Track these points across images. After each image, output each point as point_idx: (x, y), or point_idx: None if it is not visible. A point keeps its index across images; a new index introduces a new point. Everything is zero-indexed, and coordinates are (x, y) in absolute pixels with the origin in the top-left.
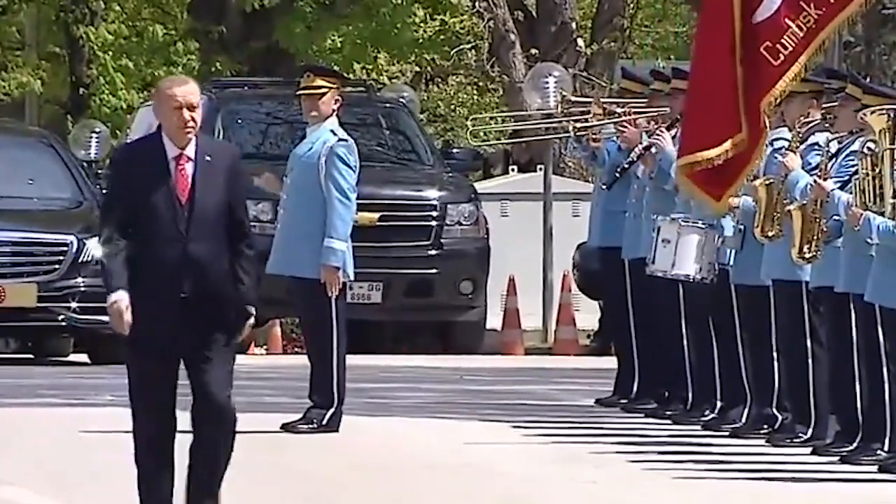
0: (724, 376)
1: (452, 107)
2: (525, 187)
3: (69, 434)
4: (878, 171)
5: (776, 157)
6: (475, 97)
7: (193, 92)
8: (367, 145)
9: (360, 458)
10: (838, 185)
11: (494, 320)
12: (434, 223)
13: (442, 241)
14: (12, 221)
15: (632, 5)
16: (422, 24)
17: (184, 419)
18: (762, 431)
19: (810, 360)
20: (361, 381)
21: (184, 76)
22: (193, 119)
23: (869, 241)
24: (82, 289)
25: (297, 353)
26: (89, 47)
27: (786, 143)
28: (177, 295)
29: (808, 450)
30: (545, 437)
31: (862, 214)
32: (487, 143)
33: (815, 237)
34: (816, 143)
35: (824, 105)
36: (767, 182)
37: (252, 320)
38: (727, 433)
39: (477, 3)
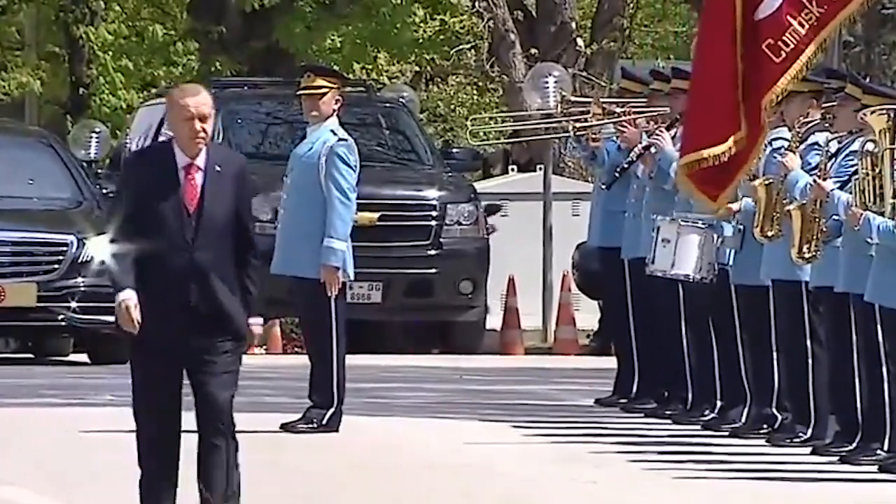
0: (723, 376)
1: (452, 107)
2: (525, 187)
3: (69, 434)
4: (878, 170)
5: (776, 157)
6: (475, 97)
7: (206, 102)
8: (367, 145)
9: (360, 458)
10: (838, 184)
11: (494, 320)
12: (434, 223)
13: (441, 240)
14: (12, 221)
15: (631, 5)
16: (421, 24)
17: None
18: (762, 431)
19: (810, 360)
20: (361, 380)
21: (196, 85)
22: (205, 130)
23: (869, 240)
24: (82, 289)
25: (296, 353)
26: (89, 47)
27: (785, 143)
28: (183, 303)
29: (808, 450)
30: (545, 436)
31: (862, 214)
32: (487, 142)
33: (815, 237)
34: (816, 143)
35: (824, 105)
36: (767, 182)
37: (259, 329)
38: (727, 433)
39: (477, 3)
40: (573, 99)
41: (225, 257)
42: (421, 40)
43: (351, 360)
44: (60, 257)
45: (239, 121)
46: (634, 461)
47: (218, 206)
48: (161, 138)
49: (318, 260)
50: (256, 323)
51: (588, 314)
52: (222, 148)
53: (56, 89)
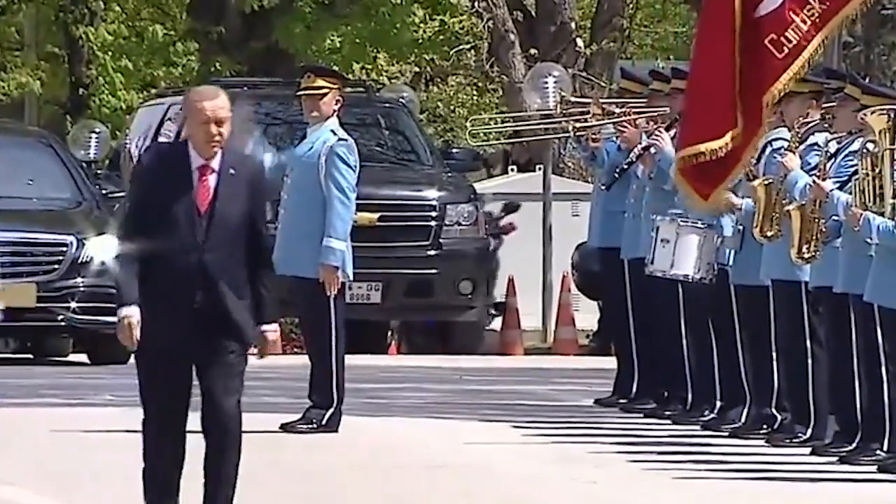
0: (723, 377)
1: (452, 107)
2: (524, 187)
3: (69, 434)
4: (877, 171)
5: (775, 158)
6: (475, 97)
7: (223, 106)
8: (367, 145)
9: (360, 459)
10: (837, 185)
11: (494, 320)
12: (433, 223)
13: (441, 241)
14: (12, 221)
15: (631, 5)
16: (421, 25)
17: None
18: (762, 431)
19: (810, 361)
20: (361, 381)
21: (215, 88)
22: (221, 134)
23: (869, 241)
24: (82, 289)
25: (296, 353)
26: (89, 47)
27: (785, 144)
28: (189, 304)
29: (808, 450)
30: (545, 437)
31: (862, 214)
32: (487, 143)
33: (814, 237)
34: (816, 144)
35: (823, 105)
36: (766, 182)
37: (275, 336)
38: (727, 433)
39: (476, 4)
40: (573, 99)
41: (235, 261)
42: (420, 41)
43: (350, 360)
44: (60, 258)
45: None
46: (634, 461)
47: (230, 208)
48: (161, 139)
49: (317, 259)
50: (271, 329)
51: (588, 314)
52: (239, 150)
53: (56, 89)
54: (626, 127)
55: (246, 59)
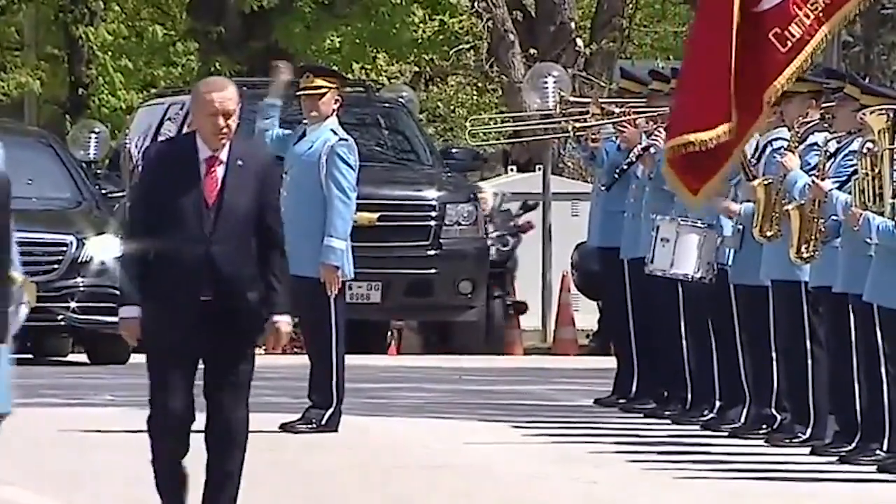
0: (723, 376)
1: (452, 107)
2: (524, 187)
3: (69, 434)
4: (877, 171)
5: (775, 158)
6: (474, 97)
7: (231, 98)
8: (367, 145)
9: (360, 458)
10: (836, 185)
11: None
12: (433, 223)
13: (441, 241)
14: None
15: (631, 5)
16: (421, 25)
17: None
18: (761, 431)
19: (809, 361)
20: (361, 380)
21: (223, 79)
22: (228, 126)
23: (868, 241)
24: (81, 289)
25: (296, 352)
26: (88, 47)
27: (785, 143)
28: (197, 296)
29: (807, 450)
30: (544, 436)
31: (861, 214)
32: (486, 143)
33: (814, 237)
34: (815, 143)
35: (823, 105)
36: (766, 182)
37: (288, 327)
38: (726, 433)
39: (476, 4)
40: (572, 99)
41: (244, 253)
42: (420, 40)
43: (350, 359)
44: (60, 257)
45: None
46: (634, 461)
47: (238, 200)
48: (161, 138)
49: (318, 259)
50: (284, 321)
51: (587, 314)
52: (248, 142)
53: (55, 89)
54: (625, 127)
55: (246, 59)
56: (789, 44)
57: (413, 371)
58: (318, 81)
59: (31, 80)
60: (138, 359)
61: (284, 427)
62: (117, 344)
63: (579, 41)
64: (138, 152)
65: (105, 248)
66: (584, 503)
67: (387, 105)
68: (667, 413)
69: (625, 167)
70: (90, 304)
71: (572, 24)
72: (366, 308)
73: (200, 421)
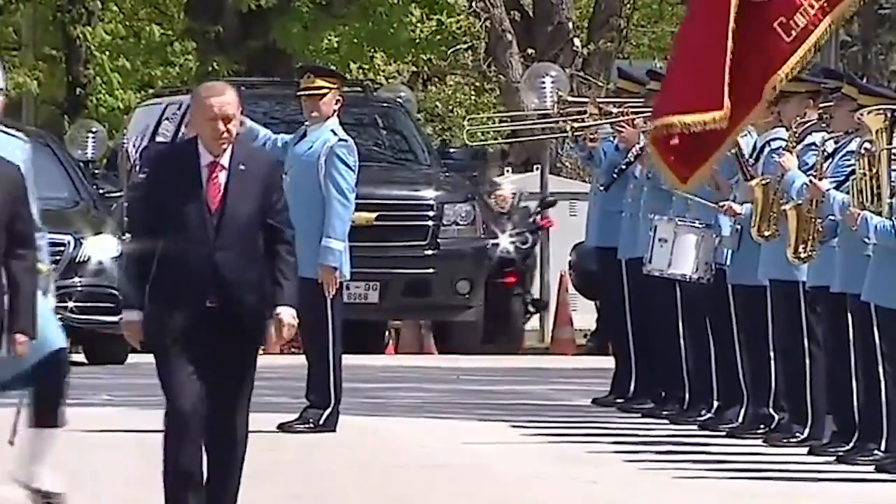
0: (720, 376)
1: (450, 107)
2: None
3: (68, 434)
4: (875, 170)
5: (773, 158)
6: (472, 97)
7: (230, 102)
8: (364, 145)
9: (358, 458)
10: (834, 184)
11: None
12: (431, 223)
13: (439, 240)
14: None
15: (628, 5)
16: (418, 24)
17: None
18: (759, 431)
19: (807, 360)
20: (358, 380)
21: (223, 84)
22: (228, 130)
23: (866, 240)
24: (79, 288)
25: (294, 352)
26: (86, 47)
27: (782, 143)
28: (202, 303)
29: (805, 449)
30: (543, 436)
31: (859, 214)
32: (484, 143)
33: (811, 237)
34: (813, 143)
35: (821, 105)
36: (764, 182)
37: (293, 322)
38: (724, 433)
39: (474, 3)
40: (570, 99)
41: (249, 258)
42: (418, 40)
43: (348, 359)
44: (57, 257)
45: None
46: (631, 461)
47: (242, 205)
48: (158, 139)
49: (316, 260)
50: (288, 313)
51: (585, 314)
52: (250, 145)
53: (53, 89)
54: (623, 127)
55: (243, 59)
56: (793, 33)
57: (411, 371)
58: (319, 82)
59: (29, 80)
60: (136, 359)
61: (282, 427)
62: (115, 344)
63: (577, 41)
64: (136, 152)
65: (103, 248)
66: (583, 503)
67: (384, 105)
68: (665, 413)
69: (623, 167)
70: (88, 304)
71: (570, 24)
72: (364, 308)
73: None
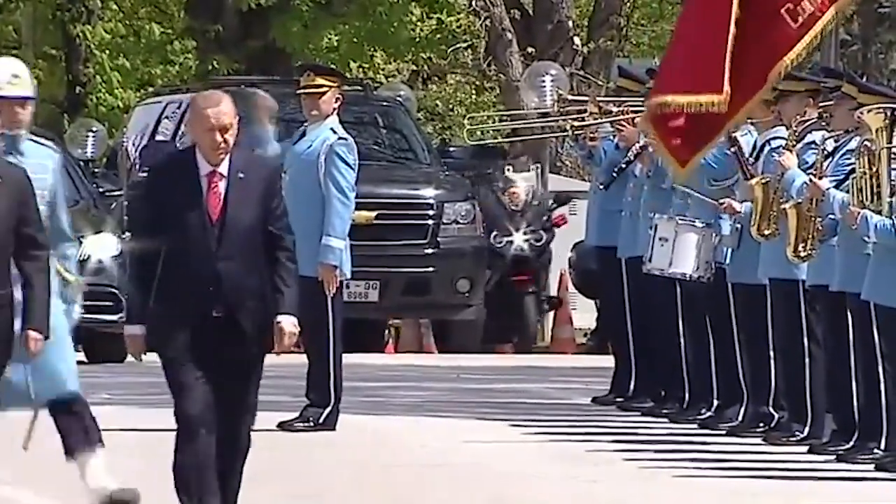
0: (720, 375)
1: (450, 105)
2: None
3: None
4: (875, 169)
5: (773, 156)
6: (472, 96)
7: (227, 112)
8: (364, 144)
9: (358, 457)
10: (834, 183)
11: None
12: (431, 222)
13: (439, 239)
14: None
15: (628, 4)
16: (418, 23)
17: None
18: (759, 430)
19: (807, 359)
20: (358, 379)
21: (219, 93)
22: (226, 140)
23: (866, 239)
24: None
25: (293, 351)
26: (86, 46)
27: (782, 142)
28: (208, 314)
29: (805, 448)
30: (542, 435)
31: (859, 213)
32: (484, 142)
33: (811, 236)
34: (813, 142)
35: (821, 104)
36: (764, 181)
37: (294, 331)
38: (724, 431)
39: (473, 2)
40: (570, 98)
41: (252, 267)
42: (418, 39)
43: (348, 358)
44: None
45: None
46: (631, 460)
47: (243, 213)
48: (158, 137)
49: (316, 258)
50: (288, 321)
51: (585, 313)
52: (249, 153)
53: (53, 88)
54: (623, 125)
55: (243, 58)
56: (800, 19)
57: (411, 370)
58: (319, 80)
59: None
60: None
61: (282, 426)
62: (115, 342)
63: (577, 40)
64: (136, 151)
65: (102, 247)
66: (582, 502)
67: (384, 104)
68: (664, 411)
69: (623, 166)
70: (87, 303)
71: (570, 23)
72: (364, 307)
73: None
